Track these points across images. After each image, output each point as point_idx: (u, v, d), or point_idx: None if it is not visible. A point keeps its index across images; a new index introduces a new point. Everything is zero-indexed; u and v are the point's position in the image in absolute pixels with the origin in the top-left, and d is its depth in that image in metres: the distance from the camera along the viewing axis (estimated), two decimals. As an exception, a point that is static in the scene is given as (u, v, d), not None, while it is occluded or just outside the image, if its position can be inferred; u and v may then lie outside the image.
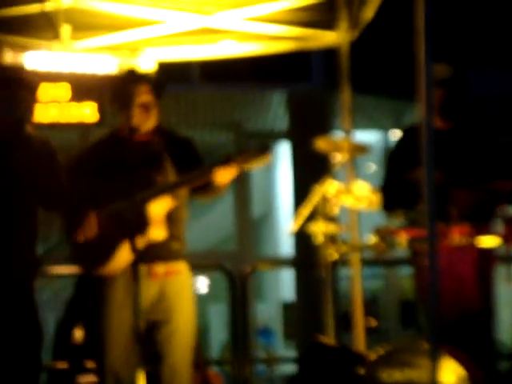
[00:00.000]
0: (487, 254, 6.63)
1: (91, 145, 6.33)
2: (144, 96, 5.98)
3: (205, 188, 5.95)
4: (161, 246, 5.94)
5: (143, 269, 5.81)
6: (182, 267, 6.10)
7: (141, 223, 5.83)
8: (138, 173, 5.86)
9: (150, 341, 5.95)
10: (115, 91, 6.18)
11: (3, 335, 5.75)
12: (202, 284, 16.70)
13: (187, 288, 6.18)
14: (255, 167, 6.17)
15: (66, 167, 6.09)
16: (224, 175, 5.80)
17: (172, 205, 5.96)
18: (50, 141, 6.01)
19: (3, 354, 5.75)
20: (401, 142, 7.01)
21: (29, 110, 6.05)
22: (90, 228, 5.85)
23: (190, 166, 5.90)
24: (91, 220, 5.82)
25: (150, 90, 6.05)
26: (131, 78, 6.21)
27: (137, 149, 5.97)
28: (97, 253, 5.96)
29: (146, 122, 6.00)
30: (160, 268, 5.96)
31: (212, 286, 17.20)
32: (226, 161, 5.79)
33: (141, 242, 5.82)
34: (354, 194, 7.10)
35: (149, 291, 5.87)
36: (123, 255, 5.81)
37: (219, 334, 17.44)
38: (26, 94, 6.04)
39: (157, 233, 5.91)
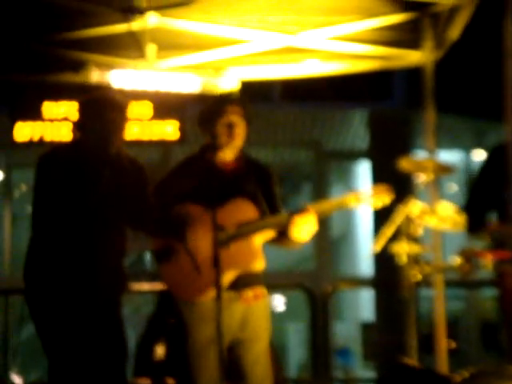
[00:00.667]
0: None
1: (177, 166, 6.30)
2: (231, 116, 6.00)
3: (279, 237, 5.95)
4: (252, 274, 5.96)
5: (233, 294, 5.85)
6: (264, 290, 6.12)
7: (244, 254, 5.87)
8: (227, 202, 5.86)
9: (232, 360, 5.98)
10: (204, 110, 6.20)
11: (91, 350, 5.79)
12: (279, 302, 16.74)
13: (268, 309, 6.22)
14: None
15: (152, 186, 6.12)
16: (301, 228, 5.79)
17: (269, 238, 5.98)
18: (138, 159, 6.05)
19: (90, 369, 5.79)
20: (487, 161, 6.95)
21: (118, 129, 6.10)
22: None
23: (271, 200, 6.00)
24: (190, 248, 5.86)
25: (239, 112, 6.06)
26: (222, 98, 6.26)
27: (224, 177, 5.99)
28: (191, 280, 5.97)
29: (231, 142, 6.00)
30: (249, 293, 5.96)
31: (288, 304, 17.22)
32: (301, 210, 5.80)
33: (235, 272, 5.86)
34: (439, 215, 7.08)
35: (236, 313, 5.88)
36: (226, 281, 5.82)
37: (296, 353, 17.45)
38: (115, 114, 6.10)
39: (259, 264, 5.93)
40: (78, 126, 6.28)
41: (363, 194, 5.93)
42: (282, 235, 5.88)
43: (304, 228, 5.81)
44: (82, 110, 6.23)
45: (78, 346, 5.78)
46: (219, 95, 6.85)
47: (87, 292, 5.84)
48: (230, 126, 5.94)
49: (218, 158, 5.96)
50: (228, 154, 5.98)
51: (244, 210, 5.91)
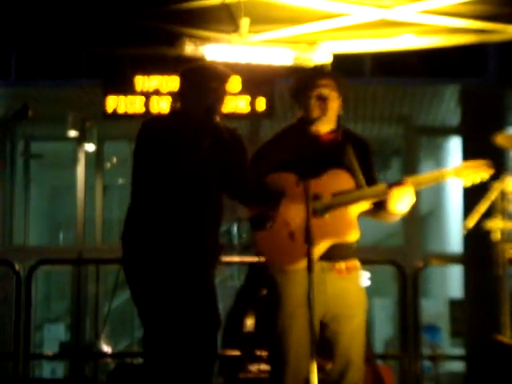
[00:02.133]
0: None
1: (274, 136, 6.32)
2: (323, 89, 6.02)
3: (375, 209, 6.02)
4: (346, 246, 5.99)
5: (326, 265, 5.87)
6: (358, 263, 6.13)
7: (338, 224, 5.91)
8: (323, 173, 5.91)
9: (326, 336, 6.00)
10: (296, 82, 6.24)
11: (185, 318, 5.84)
12: (365, 277, 16.73)
13: (361, 283, 6.23)
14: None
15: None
16: (399, 199, 5.81)
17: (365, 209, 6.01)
18: (237, 130, 6.08)
19: (183, 337, 5.84)
20: None
21: (220, 100, 6.16)
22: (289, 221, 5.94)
23: (368, 172, 6.00)
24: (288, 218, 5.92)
25: (331, 85, 6.08)
26: (314, 72, 6.31)
27: (320, 148, 6.03)
28: (288, 249, 6.01)
29: (324, 115, 6.02)
30: (342, 265, 5.97)
31: (373, 279, 17.21)
32: (399, 182, 5.82)
33: (330, 242, 5.89)
34: (534, 191, 7.05)
35: (329, 285, 5.90)
36: (317, 252, 5.85)
37: (382, 328, 17.45)
38: (217, 84, 6.15)
39: (354, 235, 5.95)
40: (178, 96, 6.33)
41: (462, 168, 5.93)
42: (378, 207, 5.95)
43: (402, 200, 5.86)
44: (184, 80, 6.28)
45: (173, 313, 5.88)
46: (312, 68, 6.87)
47: (183, 260, 5.89)
48: (323, 99, 5.99)
49: (314, 129, 6.01)
50: (323, 127, 6.02)
51: (340, 181, 5.96)
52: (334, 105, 6.02)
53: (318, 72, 6.53)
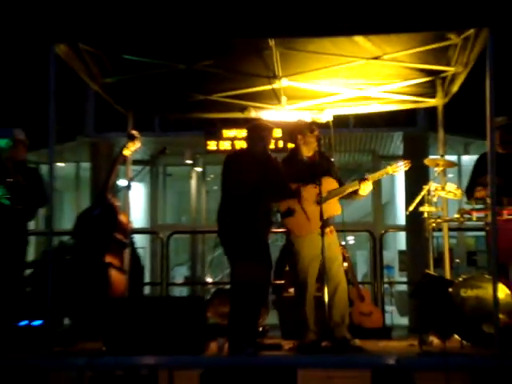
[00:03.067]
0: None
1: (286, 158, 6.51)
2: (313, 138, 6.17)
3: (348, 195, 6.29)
4: (329, 219, 6.08)
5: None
6: (333, 229, 6.21)
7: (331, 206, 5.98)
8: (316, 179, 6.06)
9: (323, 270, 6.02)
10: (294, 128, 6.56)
11: (252, 261, 5.90)
12: (351, 238, 16.74)
13: (337, 240, 6.32)
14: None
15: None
16: (365, 188, 6.00)
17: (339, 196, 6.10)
18: (277, 158, 6.14)
19: (252, 273, 5.87)
20: (476, 162, 6.90)
21: (269, 143, 6.20)
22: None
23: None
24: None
25: (317, 134, 6.23)
26: (307, 126, 6.45)
27: (308, 165, 6.13)
28: (305, 223, 6.06)
29: (310, 151, 6.24)
30: (329, 229, 6.03)
31: (356, 240, 17.15)
32: (364, 179, 5.99)
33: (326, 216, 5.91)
34: (445, 190, 6.97)
35: (327, 241, 5.92)
36: (316, 224, 5.88)
37: (361, 267, 17.31)
38: (268, 133, 6.16)
39: (338, 211, 6.01)
40: (246, 140, 6.37)
41: (394, 167, 6.42)
42: (351, 193, 6.27)
43: (366, 189, 6.24)
44: (249, 131, 6.32)
45: (247, 258, 5.94)
46: (304, 124, 6.90)
47: (251, 230, 5.94)
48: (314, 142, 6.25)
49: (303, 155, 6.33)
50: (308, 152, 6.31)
51: (330, 183, 6.23)
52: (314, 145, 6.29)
53: (308, 125, 6.57)
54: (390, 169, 6.44)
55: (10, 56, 14.08)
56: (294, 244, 6.17)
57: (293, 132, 6.52)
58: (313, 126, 6.42)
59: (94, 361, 5.10)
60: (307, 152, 6.29)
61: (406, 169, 6.47)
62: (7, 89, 14.14)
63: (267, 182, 5.97)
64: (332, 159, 6.50)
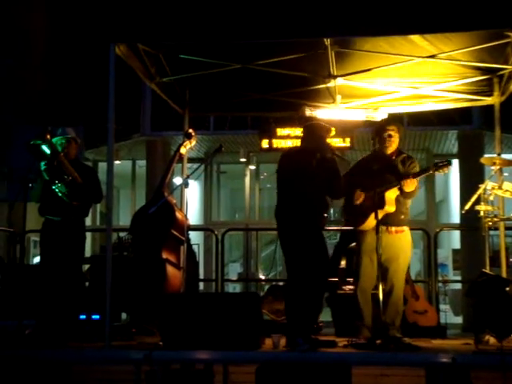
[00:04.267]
0: None
1: (361, 159, 6.61)
2: (390, 132, 6.12)
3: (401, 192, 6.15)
4: (393, 216, 6.01)
5: (383, 228, 5.87)
6: (405, 229, 6.11)
7: (382, 203, 5.96)
8: (384, 175, 5.98)
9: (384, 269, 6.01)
10: (375, 129, 6.37)
11: (309, 258, 5.94)
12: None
13: (407, 241, 6.20)
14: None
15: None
16: (409, 186, 5.93)
17: (398, 194, 6.05)
18: (334, 157, 6.15)
19: (308, 270, 5.91)
20: None
21: (325, 142, 6.23)
22: (358, 200, 6.07)
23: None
24: (359, 196, 5.97)
25: (395, 129, 6.18)
26: (386, 122, 6.45)
27: (384, 162, 6.07)
28: (358, 217, 6.08)
29: (390, 147, 6.11)
30: (392, 228, 5.98)
31: (412, 238, 16.87)
32: (407, 176, 5.96)
33: (381, 213, 5.90)
34: (502, 189, 6.91)
35: (386, 241, 5.89)
36: (372, 220, 5.88)
37: (415, 265, 17.09)
38: (325, 133, 6.20)
39: (390, 208, 5.98)
40: (302, 139, 6.41)
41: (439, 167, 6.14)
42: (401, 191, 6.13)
43: (410, 186, 6.07)
44: (306, 130, 6.36)
45: (304, 255, 5.96)
46: (383, 120, 6.93)
47: (308, 226, 6.00)
48: (390, 137, 6.07)
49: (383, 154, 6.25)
50: (390, 151, 6.25)
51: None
52: (396, 140, 6.25)
53: (388, 121, 6.58)
54: (432, 169, 6.35)
55: (72, 55, 14.33)
56: (357, 237, 6.29)
57: (380, 126, 6.53)
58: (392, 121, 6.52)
59: (151, 355, 5.16)
60: (392, 147, 6.32)
61: (446, 171, 6.36)
62: (68, 87, 14.38)
63: (323, 179, 6.01)
64: (411, 157, 6.49)
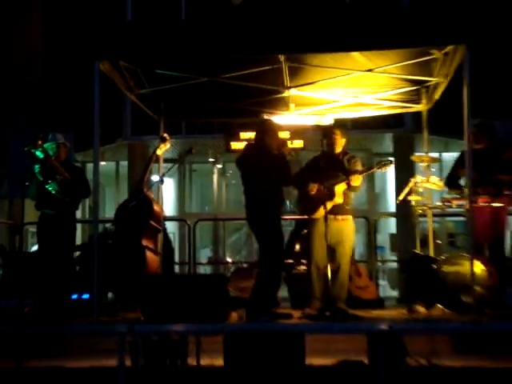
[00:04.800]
0: (498, 210, 6.43)
1: (313, 157, 6.49)
2: (335, 135, 6.11)
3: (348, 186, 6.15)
4: (339, 206, 6.01)
5: (331, 217, 5.87)
6: (349, 217, 6.11)
7: (332, 195, 5.94)
8: (333, 172, 5.98)
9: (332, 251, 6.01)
10: (325, 132, 6.31)
11: (268, 242, 5.97)
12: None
13: (351, 227, 6.20)
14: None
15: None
16: (356, 181, 5.94)
17: (345, 187, 6.04)
18: (284, 154, 6.12)
19: (269, 251, 5.93)
20: (457, 158, 6.81)
21: (277, 140, 6.19)
22: (312, 191, 5.99)
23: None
24: (314, 187, 5.96)
25: (339, 133, 6.18)
26: (330, 128, 6.43)
27: (332, 160, 6.06)
28: (310, 207, 6.06)
29: (336, 148, 6.11)
30: (339, 217, 5.98)
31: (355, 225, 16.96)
32: (354, 172, 5.95)
33: (330, 204, 5.89)
34: (430, 182, 6.96)
35: (333, 227, 5.89)
36: (322, 210, 5.87)
37: (359, 248, 17.12)
38: (277, 132, 6.18)
39: (339, 200, 5.97)
40: (256, 134, 6.36)
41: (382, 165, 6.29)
42: (348, 185, 6.14)
43: (356, 181, 6.10)
44: (263, 127, 6.30)
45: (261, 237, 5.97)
46: (327, 126, 6.91)
47: (265, 214, 6.03)
48: (335, 139, 6.08)
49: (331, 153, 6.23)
50: (337, 151, 6.28)
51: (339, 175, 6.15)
52: (341, 142, 6.33)
53: (331, 128, 6.55)
54: (376, 167, 6.42)
55: (63, 71, 14.18)
56: (310, 225, 6.25)
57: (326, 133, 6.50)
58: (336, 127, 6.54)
59: (134, 328, 5.13)
60: (337, 148, 6.32)
61: (387, 169, 6.43)
62: (59, 99, 14.25)
63: (276, 170, 6.03)
64: (353, 155, 6.48)
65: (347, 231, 6.24)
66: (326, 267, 5.84)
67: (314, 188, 6.10)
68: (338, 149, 6.31)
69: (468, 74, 5.22)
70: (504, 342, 6.20)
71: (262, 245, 5.99)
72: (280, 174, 6.00)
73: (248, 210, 6.04)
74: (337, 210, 6.10)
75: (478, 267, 5.83)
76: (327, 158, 6.24)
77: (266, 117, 7.66)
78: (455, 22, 5.27)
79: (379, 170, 6.40)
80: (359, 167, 6.32)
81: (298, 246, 7.86)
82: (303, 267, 7.41)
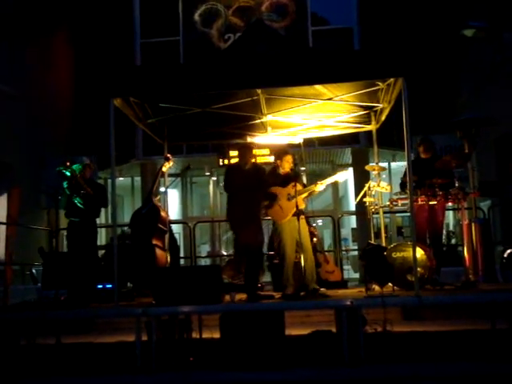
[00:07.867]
0: (435, 207, 6.45)
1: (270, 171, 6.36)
2: (287, 157, 6.07)
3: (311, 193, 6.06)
4: (303, 210, 5.98)
5: (295, 218, 5.83)
6: (303, 217, 6.09)
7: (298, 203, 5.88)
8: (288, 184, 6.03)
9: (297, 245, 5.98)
10: (278, 155, 6.27)
11: (250, 239, 5.91)
12: (319, 222, 16.53)
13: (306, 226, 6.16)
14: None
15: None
16: (319, 188, 5.91)
17: (306, 195, 6.00)
18: (263, 167, 6.11)
19: (250, 246, 5.92)
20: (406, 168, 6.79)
21: (250, 158, 6.15)
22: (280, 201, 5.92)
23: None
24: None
25: (290, 156, 6.15)
26: (282, 148, 6.37)
27: (288, 176, 6.09)
28: (281, 214, 6.01)
29: (287, 167, 6.13)
30: (302, 217, 5.96)
31: (324, 223, 16.98)
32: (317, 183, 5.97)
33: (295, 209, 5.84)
34: (380, 186, 6.96)
35: (300, 225, 5.85)
36: (290, 215, 5.82)
37: (327, 240, 17.14)
38: (250, 152, 6.16)
39: (302, 205, 5.93)
40: (241, 156, 6.31)
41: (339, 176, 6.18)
42: (311, 192, 6.02)
43: (320, 188, 6.01)
44: (243, 149, 6.28)
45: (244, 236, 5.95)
46: (281, 150, 6.63)
47: (249, 217, 5.91)
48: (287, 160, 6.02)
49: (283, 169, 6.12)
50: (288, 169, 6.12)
51: (298, 187, 6.00)
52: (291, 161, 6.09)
53: (284, 151, 6.42)
54: (335, 176, 6.33)
55: (88, 104, 14.20)
56: (277, 227, 6.17)
57: (277, 154, 6.43)
58: (289, 151, 6.30)
59: (148, 310, 5.13)
60: (286, 168, 6.23)
61: (343, 180, 6.42)
62: (86, 128, 14.24)
63: (256, 183, 6.04)
64: (302, 170, 6.45)
65: (306, 227, 6.26)
66: (297, 258, 5.85)
67: (282, 202, 6.03)
68: (289, 167, 6.20)
69: (406, 99, 5.26)
70: (441, 311, 6.29)
71: (245, 241, 5.98)
72: (257, 187, 6.01)
73: (234, 217, 6.05)
74: (301, 213, 6.07)
75: (419, 252, 5.86)
76: (279, 175, 6.19)
77: (248, 138, 7.69)
78: (394, 61, 5.31)
79: (336, 179, 6.30)
80: (302, 181, 6.34)
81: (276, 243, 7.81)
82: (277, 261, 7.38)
